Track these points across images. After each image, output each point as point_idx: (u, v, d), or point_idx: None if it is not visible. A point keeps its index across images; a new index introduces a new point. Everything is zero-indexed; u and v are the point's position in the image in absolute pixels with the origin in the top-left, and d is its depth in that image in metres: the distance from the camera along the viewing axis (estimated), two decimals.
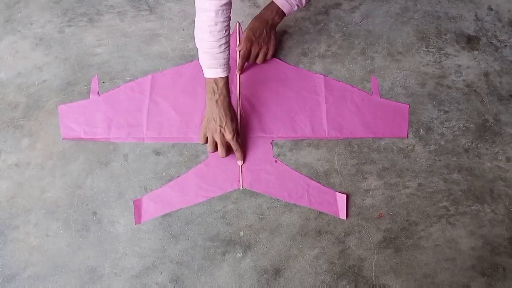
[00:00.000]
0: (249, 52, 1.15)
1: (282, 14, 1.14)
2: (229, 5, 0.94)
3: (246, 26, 1.19)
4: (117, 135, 1.11)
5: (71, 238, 1.01)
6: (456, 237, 1.03)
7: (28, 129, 1.12)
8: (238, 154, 1.07)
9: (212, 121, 1.02)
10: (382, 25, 1.31)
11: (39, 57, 1.22)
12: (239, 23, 1.27)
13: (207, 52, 0.98)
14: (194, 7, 0.91)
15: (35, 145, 1.10)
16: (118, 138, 1.10)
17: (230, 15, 0.96)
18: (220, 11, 0.92)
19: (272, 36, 1.16)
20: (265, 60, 1.19)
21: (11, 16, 1.29)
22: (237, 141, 1.04)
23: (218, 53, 0.97)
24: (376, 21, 1.31)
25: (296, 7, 1.13)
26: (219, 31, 0.94)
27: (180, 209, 1.04)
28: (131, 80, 1.18)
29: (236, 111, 1.13)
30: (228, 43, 0.98)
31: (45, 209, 1.03)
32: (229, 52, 1.00)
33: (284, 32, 1.28)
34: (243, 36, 1.17)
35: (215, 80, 1.00)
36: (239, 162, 1.08)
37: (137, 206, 1.03)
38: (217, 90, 1.01)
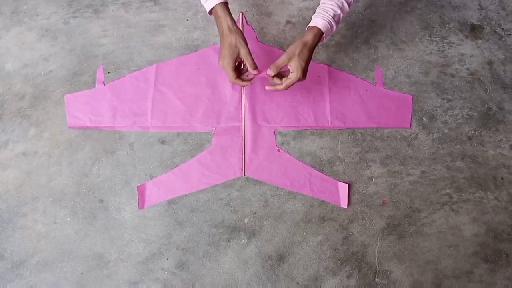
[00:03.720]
0: (282, 67, 1.00)
1: (320, 36, 1.00)
2: None
3: (250, 19, 1.19)
4: (122, 124, 1.12)
5: (78, 225, 1.02)
6: (459, 224, 1.04)
7: (35, 118, 1.14)
8: (251, 65, 0.99)
9: (227, 45, 0.98)
10: (385, 14, 1.31)
11: (45, 48, 1.24)
12: (242, 13, 1.27)
13: None
14: None
15: (42, 134, 1.12)
16: (123, 127, 1.12)
17: None
18: None
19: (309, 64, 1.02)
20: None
21: (17, 7, 1.30)
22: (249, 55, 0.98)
23: None
24: (379, 10, 1.31)
25: (333, 29, 1.00)
26: None
27: (185, 196, 1.05)
28: (136, 70, 1.19)
29: (241, 101, 1.14)
30: None
31: (53, 197, 1.05)
32: None
33: (288, 22, 1.28)
34: (296, 61, 0.98)
35: (215, 9, 0.98)
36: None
37: (141, 191, 1.05)
38: (220, 19, 0.98)
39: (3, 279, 0.97)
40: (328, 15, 0.98)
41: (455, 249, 1.02)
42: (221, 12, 0.98)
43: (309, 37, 0.98)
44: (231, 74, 0.98)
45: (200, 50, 1.22)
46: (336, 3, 0.98)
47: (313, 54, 1.00)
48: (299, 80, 0.99)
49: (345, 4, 0.99)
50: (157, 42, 1.25)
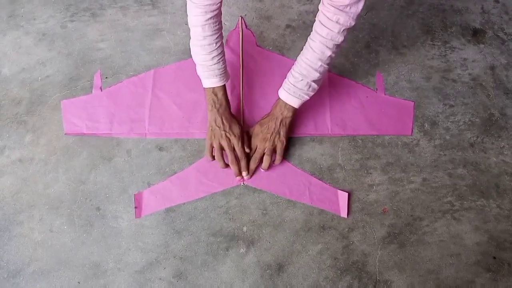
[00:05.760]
0: (262, 152, 1.04)
1: (292, 109, 1.02)
2: (215, 17, 0.92)
3: (250, 23, 1.17)
4: (119, 130, 1.10)
5: (75, 233, 1.01)
6: (461, 232, 1.03)
7: (32, 124, 1.12)
8: (243, 163, 1.04)
9: (216, 128, 1.02)
10: (386, 18, 1.29)
11: (42, 53, 1.22)
12: (242, 17, 1.26)
13: (202, 65, 0.99)
14: None
15: (39, 140, 1.10)
16: (120, 133, 1.10)
17: (221, 25, 0.96)
18: (207, 26, 0.92)
19: (282, 132, 1.04)
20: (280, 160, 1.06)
21: (14, 11, 1.29)
22: (242, 147, 1.03)
23: (212, 65, 0.98)
24: (380, 14, 1.30)
25: (306, 97, 1.00)
26: (209, 44, 0.95)
27: (183, 204, 1.04)
28: (134, 75, 1.18)
29: (239, 107, 1.13)
30: (221, 54, 0.98)
31: (49, 204, 1.04)
32: (223, 62, 1.00)
33: (288, 26, 1.27)
34: (253, 134, 1.06)
35: (214, 90, 1.02)
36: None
37: (138, 200, 1.03)
38: (217, 100, 1.02)
39: None
40: (290, 84, 0.99)
41: (456, 258, 1.00)
42: (222, 97, 1.03)
43: (272, 108, 1.05)
44: (241, 151, 1.03)
45: None
46: (300, 71, 0.96)
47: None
48: (280, 149, 1.04)
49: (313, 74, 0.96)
50: (155, 46, 1.23)
